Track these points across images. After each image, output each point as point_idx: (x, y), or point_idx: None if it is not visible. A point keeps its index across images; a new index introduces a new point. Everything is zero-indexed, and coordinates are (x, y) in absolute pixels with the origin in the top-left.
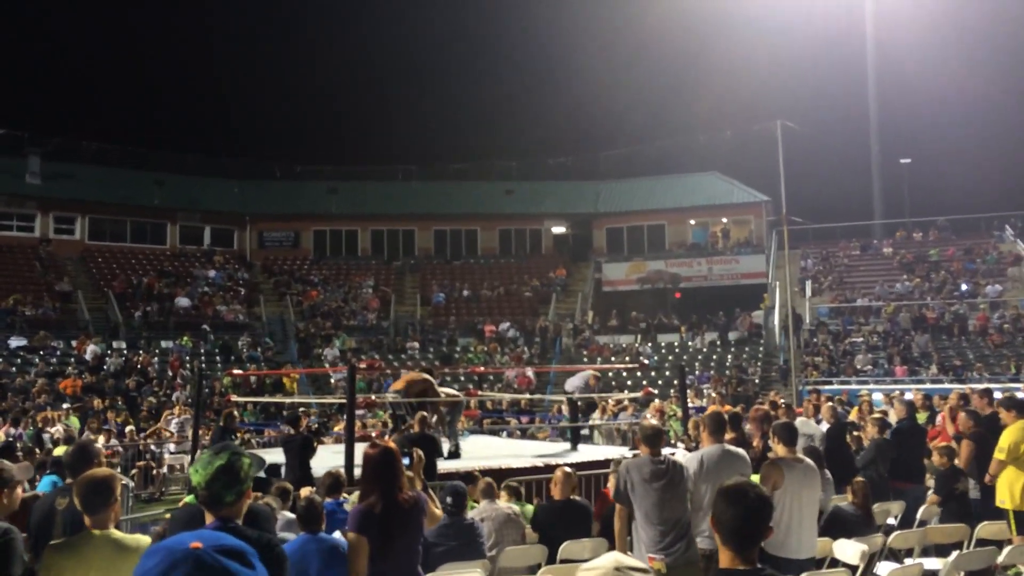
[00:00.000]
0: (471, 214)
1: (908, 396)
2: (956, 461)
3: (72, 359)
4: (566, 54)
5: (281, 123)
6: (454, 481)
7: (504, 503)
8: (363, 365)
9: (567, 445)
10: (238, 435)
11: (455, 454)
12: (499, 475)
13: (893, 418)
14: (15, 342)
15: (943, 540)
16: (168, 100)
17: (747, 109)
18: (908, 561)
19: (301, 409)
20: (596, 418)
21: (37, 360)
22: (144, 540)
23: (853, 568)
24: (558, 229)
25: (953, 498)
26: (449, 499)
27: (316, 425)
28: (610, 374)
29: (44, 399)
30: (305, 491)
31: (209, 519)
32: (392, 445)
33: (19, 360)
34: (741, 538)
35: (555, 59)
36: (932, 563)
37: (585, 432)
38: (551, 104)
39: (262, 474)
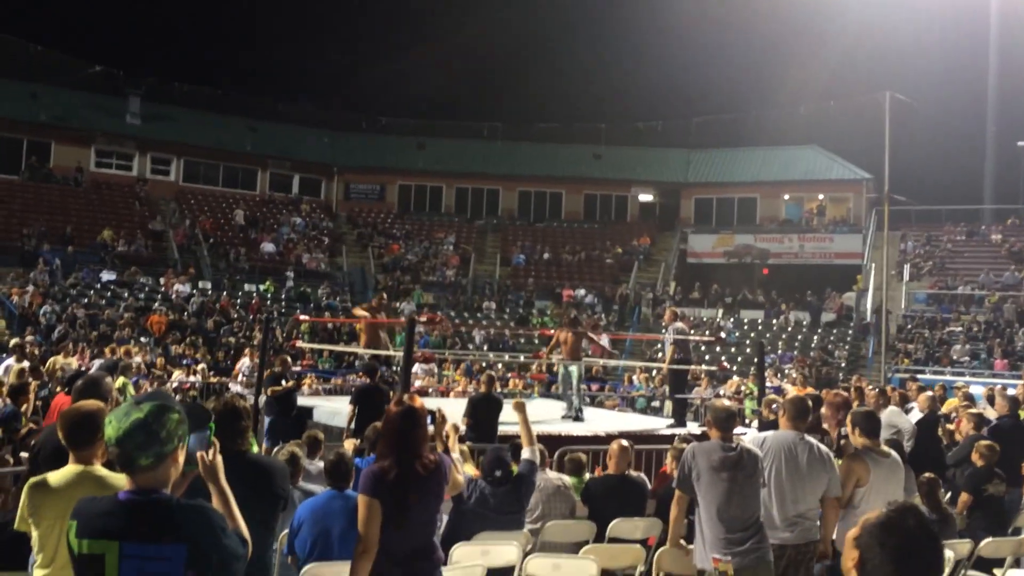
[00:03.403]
0: (557, 177)
1: (1011, 391)
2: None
3: (159, 296)
4: (663, 15)
5: (371, 74)
6: (497, 449)
7: (554, 473)
8: (423, 319)
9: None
10: (288, 382)
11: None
12: (554, 442)
13: (991, 415)
14: (106, 276)
15: None
16: (260, 46)
17: (853, 80)
18: (999, 572)
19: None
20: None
21: (127, 295)
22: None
23: None
24: (645, 197)
25: (982, 500)
26: (498, 472)
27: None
28: (691, 346)
29: (128, 332)
30: (349, 444)
31: (127, 484)
32: (417, 403)
33: (109, 294)
34: None
35: (651, 20)
36: None
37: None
38: (644, 66)
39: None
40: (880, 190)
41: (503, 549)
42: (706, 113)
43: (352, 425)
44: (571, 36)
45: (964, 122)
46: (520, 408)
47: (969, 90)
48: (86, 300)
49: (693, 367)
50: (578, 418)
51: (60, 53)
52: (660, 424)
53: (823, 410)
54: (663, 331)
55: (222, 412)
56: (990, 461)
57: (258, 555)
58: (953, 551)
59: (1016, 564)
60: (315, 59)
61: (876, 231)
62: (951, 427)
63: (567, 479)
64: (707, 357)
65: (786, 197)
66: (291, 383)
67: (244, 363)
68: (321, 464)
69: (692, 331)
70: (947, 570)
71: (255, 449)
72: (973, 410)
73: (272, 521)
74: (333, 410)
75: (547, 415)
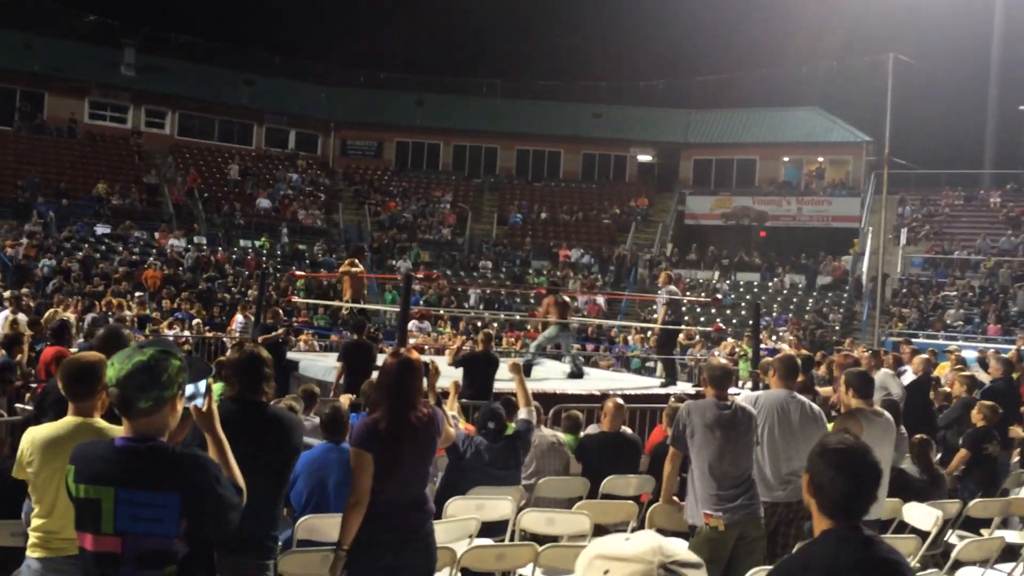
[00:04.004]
0: (556, 136)
1: (1004, 355)
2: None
3: (154, 250)
4: None
5: (369, 29)
6: (491, 403)
7: (549, 430)
8: (419, 275)
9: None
10: (278, 333)
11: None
12: (550, 400)
13: (983, 378)
14: (101, 229)
15: None
16: None
17: (854, 40)
18: (986, 532)
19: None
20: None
21: (121, 249)
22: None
23: (924, 535)
24: (644, 157)
25: (981, 459)
26: (491, 424)
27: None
28: (683, 308)
29: (124, 286)
30: (345, 399)
31: (124, 429)
32: (414, 356)
33: (103, 247)
34: (845, 511)
35: None
36: (1014, 536)
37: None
38: (645, 25)
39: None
40: (880, 153)
41: (497, 503)
42: (708, 73)
43: (341, 381)
44: None
45: (966, 86)
46: (516, 370)
47: (972, 54)
48: (80, 253)
49: (685, 328)
50: (575, 375)
51: (54, 2)
52: (653, 383)
53: (823, 370)
54: (657, 292)
55: (246, 361)
56: (991, 422)
57: (270, 506)
58: (942, 511)
59: (1004, 524)
60: (313, 13)
61: (875, 195)
62: (944, 390)
63: (561, 436)
64: (703, 319)
65: (785, 159)
66: (280, 332)
67: (238, 319)
68: (316, 419)
69: (687, 293)
70: (935, 530)
71: None
72: (965, 372)
73: (286, 473)
74: (328, 366)
75: (541, 373)
